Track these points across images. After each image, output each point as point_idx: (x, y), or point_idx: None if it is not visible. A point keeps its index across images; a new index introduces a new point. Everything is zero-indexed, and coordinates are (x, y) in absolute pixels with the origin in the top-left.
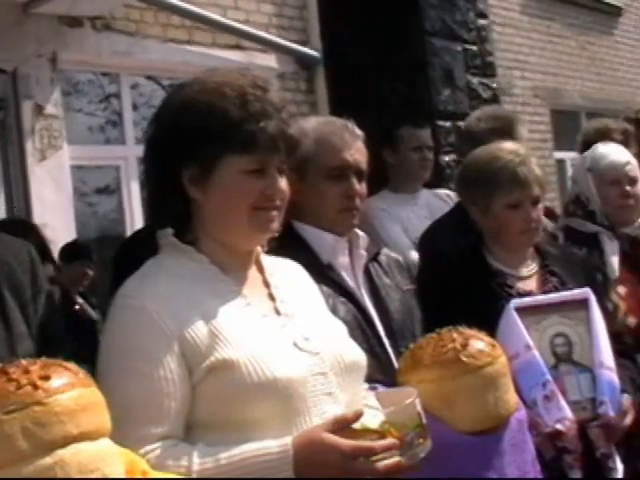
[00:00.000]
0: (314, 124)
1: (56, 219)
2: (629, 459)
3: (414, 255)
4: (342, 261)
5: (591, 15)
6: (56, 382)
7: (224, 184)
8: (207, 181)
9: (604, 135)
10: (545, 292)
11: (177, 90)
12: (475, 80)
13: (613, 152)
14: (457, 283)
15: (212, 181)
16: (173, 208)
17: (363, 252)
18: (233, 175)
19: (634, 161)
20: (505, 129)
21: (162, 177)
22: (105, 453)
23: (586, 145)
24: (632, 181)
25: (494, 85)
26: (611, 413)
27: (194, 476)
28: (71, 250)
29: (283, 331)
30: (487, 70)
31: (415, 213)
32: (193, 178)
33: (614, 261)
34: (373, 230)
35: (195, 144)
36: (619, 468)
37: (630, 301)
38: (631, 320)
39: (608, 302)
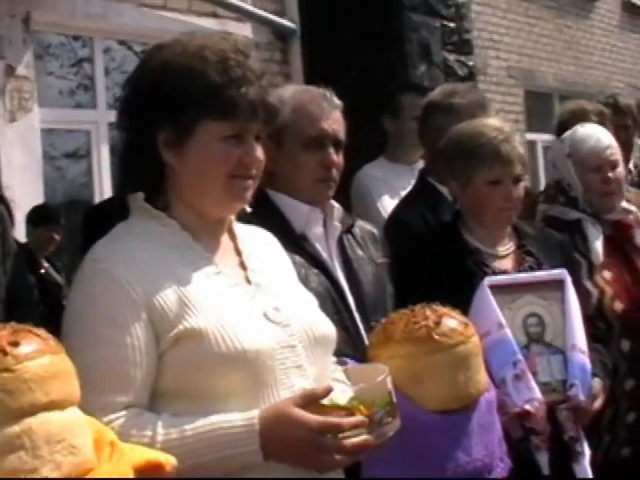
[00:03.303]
0: (292, 92)
1: (24, 182)
2: (598, 447)
3: None
4: (316, 232)
5: None
6: (25, 348)
7: (201, 150)
8: (183, 146)
9: (580, 117)
10: (521, 272)
11: (156, 51)
12: (452, 57)
13: (593, 136)
14: (432, 260)
15: (188, 146)
16: (146, 172)
17: (337, 223)
18: (211, 141)
19: (614, 143)
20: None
21: (136, 139)
22: (73, 423)
23: (562, 126)
24: (613, 165)
25: (470, 63)
26: (581, 396)
27: (157, 447)
28: (39, 214)
29: (253, 301)
30: (464, 48)
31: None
32: (168, 142)
33: (598, 247)
34: (370, 200)
35: (173, 107)
36: (586, 453)
37: (616, 286)
38: (618, 305)
39: (593, 287)
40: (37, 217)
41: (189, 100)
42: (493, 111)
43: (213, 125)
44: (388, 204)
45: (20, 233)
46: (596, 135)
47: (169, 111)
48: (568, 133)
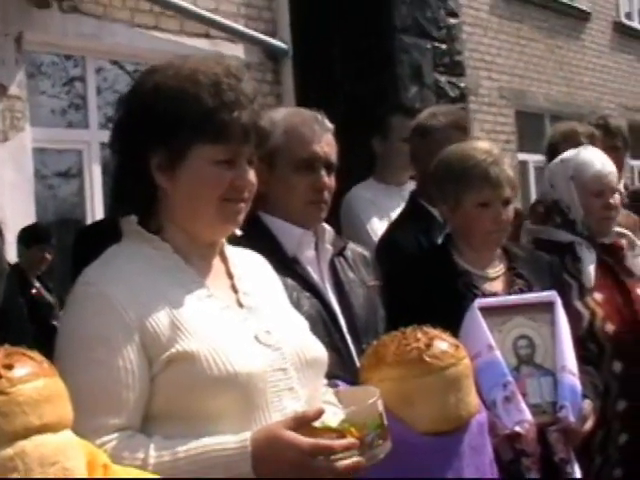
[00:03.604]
0: (284, 115)
1: (15, 201)
2: (589, 469)
3: None
4: (308, 255)
5: (560, 19)
6: (20, 371)
7: (194, 173)
8: (175, 169)
9: (571, 138)
10: (511, 294)
11: (149, 74)
12: (443, 79)
13: (597, 161)
14: (423, 282)
15: (181, 169)
16: (138, 195)
17: (329, 246)
18: (203, 165)
19: (615, 169)
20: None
21: (128, 162)
22: (66, 446)
23: (552, 148)
24: (613, 191)
25: (462, 84)
26: (571, 418)
27: (150, 469)
28: (31, 233)
29: (244, 324)
30: (455, 69)
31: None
32: (161, 165)
33: (591, 270)
34: (360, 222)
35: (166, 130)
36: (577, 474)
37: (607, 307)
38: (609, 326)
39: (584, 309)
40: (28, 237)
41: (182, 123)
42: (483, 132)
43: (206, 149)
44: (377, 226)
45: (11, 253)
46: (600, 160)
47: (162, 134)
48: (571, 155)
